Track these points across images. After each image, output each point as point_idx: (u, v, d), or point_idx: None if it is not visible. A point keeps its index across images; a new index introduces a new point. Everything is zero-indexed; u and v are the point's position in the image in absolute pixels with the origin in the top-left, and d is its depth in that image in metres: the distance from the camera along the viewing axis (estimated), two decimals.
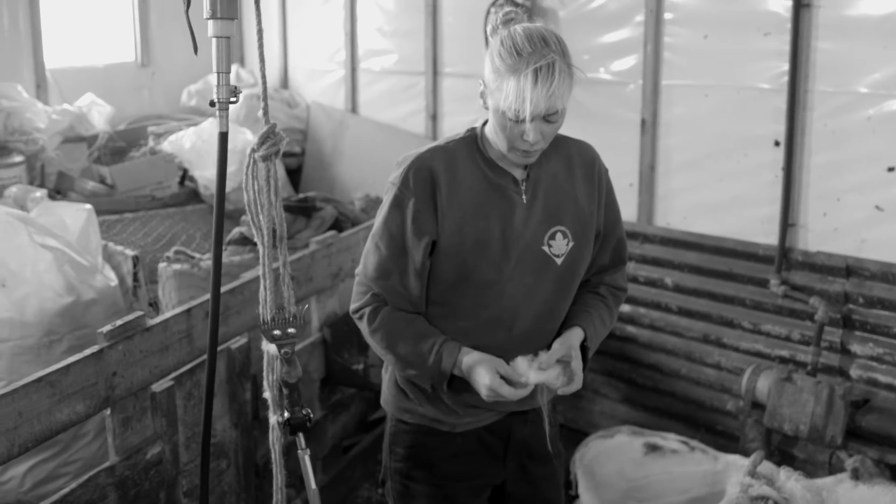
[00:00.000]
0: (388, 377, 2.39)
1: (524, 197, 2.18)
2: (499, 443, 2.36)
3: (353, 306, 2.28)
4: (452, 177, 2.15)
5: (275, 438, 2.36)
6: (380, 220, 2.21)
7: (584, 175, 2.26)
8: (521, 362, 2.11)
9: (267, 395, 2.33)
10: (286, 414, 2.28)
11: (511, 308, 2.19)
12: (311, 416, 2.31)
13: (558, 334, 2.25)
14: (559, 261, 2.20)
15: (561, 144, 2.27)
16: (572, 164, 2.26)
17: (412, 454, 2.36)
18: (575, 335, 2.22)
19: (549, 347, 2.18)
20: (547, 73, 1.96)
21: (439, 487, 2.35)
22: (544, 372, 2.10)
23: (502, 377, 2.08)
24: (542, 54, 1.97)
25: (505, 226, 2.15)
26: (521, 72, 1.97)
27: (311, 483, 2.32)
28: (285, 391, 2.28)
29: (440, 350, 2.14)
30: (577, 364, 2.15)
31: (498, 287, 2.17)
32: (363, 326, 2.25)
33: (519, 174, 2.19)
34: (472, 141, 2.21)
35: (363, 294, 2.24)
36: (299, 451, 2.32)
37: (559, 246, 2.20)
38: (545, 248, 2.19)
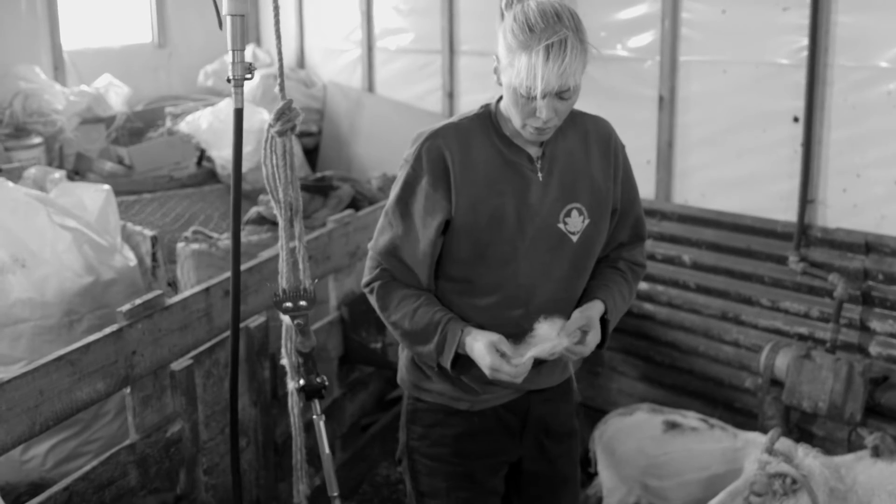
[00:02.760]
0: (404, 355, 2.40)
1: (539, 174, 2.16)
2: (517, 420, 2.36)
3: (364, 280, 2.29)
4: (466, 154, 2.14)
5: (293, 403, 2.43)
6: (393, 196, 2.21)
7: (601, 151, 2.25)
8: (544, 326, 2.10)
9: (285, 362, 2.39)
10: (302, 381, 2.34)
11: (527, 285, 2.19)
12: (326, 383, 2.37)
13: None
14: (575, 238, 2.19)
15: (577, 120, 2.26)
16: (588, 141, 2.24)
17: (429, 432, 2.37)
18: (595, 307, 2.20)
19: (568, 318, 2.18)
20: (559, 50, 1.93)
21: (456, 465, 2.35)
22: (536, 347, 2.07)
23: (502, 355, 2.07)
24: (555, 30, 1.94)
25: (520, 203, 2.14)
26: (533, 48, 1.94)
27: (325, 448, 2.38)
28: (301, 360, 2.34)
29: (444, 328, 2.14)
30: (593, 335, 2.13)
31: (513, 265, 2.17)
32: (372, 300, 2.27)
33: (534, 151, 2.17)
34: (487, 118, 2.20)
35: (373, 269, 2.26)
36: (314, 417, 2.38)
37: (575, 223, 2.18)
38: (561, 225, 2.17)
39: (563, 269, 2.21)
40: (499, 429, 2.36)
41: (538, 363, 2.15)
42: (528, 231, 2.15)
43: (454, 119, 2.22)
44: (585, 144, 2.23)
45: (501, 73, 2.06)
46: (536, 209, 2.15)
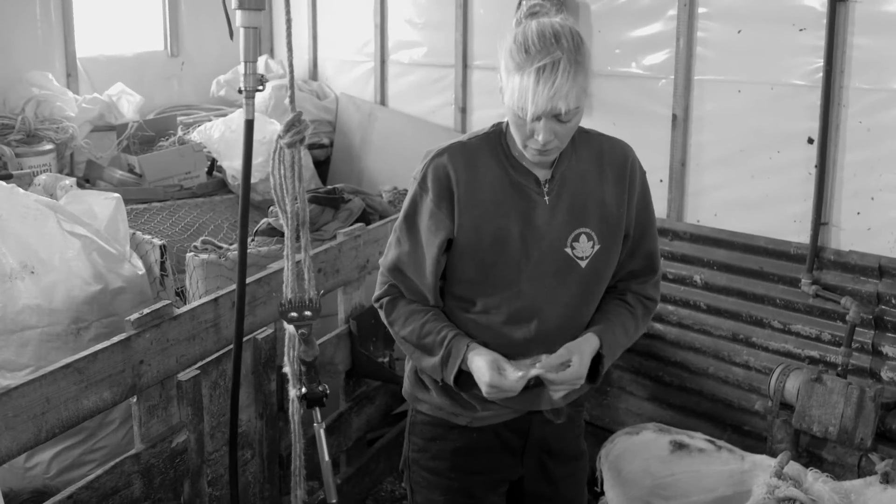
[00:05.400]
0: (409, 367, 2.42)
1: (546, 197, 2.15)
2: (517, 439, 2.36)
3: (374, 295, 2.33)
4: (472, 174, 2.14)
5: (293, 410, 2.44)
6: (401, 214, 2.24)
7: (615, 175, 2.22)
8: (519, 364, 2.10)
9: (287, 369, 2.40)
10: (303, 389, 2.35)
11: (531, 308, 2.18)
12: (328, 391, 2.40)
13: None
14: (583, 264, 2.17)
15: (593, 142, 2.24)
16: (602, 164, 2.22)
17: (430, 445, 2.38)
18: (587, 342, 2.16)
19: None
20: (550, 72, 1.92)
21: (454, 480, 2.37)
22: (533, 372, 2.07)
23: (500, 372, 2.07)
24: (549, 52, 1.93)
25: (524, 225, 2.14)
26: (526, 70, 1.94)
27: (325, 455, 2.39)
28: (303, 368, 2.36)
29: (450, 344, 2.15)
30: (574, 370, 2.08)
31: (517, 286, 2.16)
32: (382, 316, 2.29)
33: (542, 174, 2.16)
34: (497, 137, 2.19)
35: (383, 284, 2.29)
36: (315, 425, 2.39)
37: (583, 248, 2.17)
38: (568, 249, 2.16)
39: (570, 293, 2.19)
40: (498, 446, 2.36)
41: (537, 386, 2.13)
42: (532, 254, 2.14)
43: (463, 137, 2.23)
44: (599, 167, 2.21)
45: (503, 94, 2.05)
46: (542, 232, 2.14)
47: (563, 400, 2.29)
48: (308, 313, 2.34)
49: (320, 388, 2.38)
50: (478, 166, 2.15)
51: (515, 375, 2.05)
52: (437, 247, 2.15)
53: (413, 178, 2.20)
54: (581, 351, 2.12)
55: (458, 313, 2.23)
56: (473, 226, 2.13)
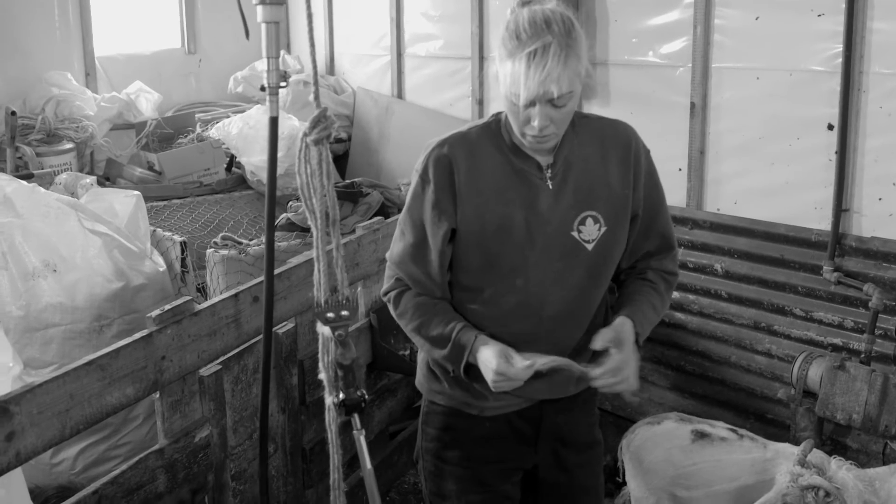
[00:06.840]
0: (421, 358, 2.44)
1: (550, 182, 2.15)
2: (530, 428, 2.36)
3: (382, 289, 2.34)
4: (473, 163, 2.15)
5: (331, 419, 2.37)
6: (405, 206, 2.25)
7: (619, 157, 2.21)
8: (527, 356, 2.09)
9: (322, 376, 2.34)
10: (341, 395, 2.29)
11: (538, 294, 2.18)
12: (367, 397, 2.32)
13: (594, 323, 2.23)
14: (590, 246, 2.17)
15: (594, 125, 2.24)
16: (606, 147, 2.22)
17: (442, 435, 2.39)
18: (626, 329, 2.14)
19: (585, 335, 2.18)
20: (541, 57, 1.92)
21: (468, 469, 2.37)
22: (543, 360, 2.07)
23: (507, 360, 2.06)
24: (539, 37, 1.93)
25: (528, 212, 2.14)
26: (517, 56, 1.95)
27: (367, 463, 2.32)
28: (340, 373, 2.30)
29: (457, 336, 2.15)
30: (628, 361, 2.08)
31: (524, 273, 2.16)
32: (391, 309, 2.30)
33: (544, 159, 2.16)
34: (496, 126, 2.20)
35: (390, 278, 2.31)
36: (354, 432, 2.32)
37: (590, 231, 2.16)
38: (574, 233, 2.16)
39: (577, 277, 2.19)
40: (511, 435, 2.36)
41: (547, 374, 2.13)
42: (537, 240, 2.14)
43: (463, 128, 2.23)
44: (603, 150, 2.21)
45: (499, 83, 2.06)
46: (547, 217, 2.14)
47: (575, 387, 2.30)
48: (345, 313, 2.28)
49: (358, 394, 2.30)
50: (479, 155, 2.15)
51: (523, 364, 2.05)
52: (441, 238, 2.16)
53: (415, 171, 2.21)
54: (627, 341, 2.10)
55: (466, 304, 2.24)
56: (476, 214, 2.14)
